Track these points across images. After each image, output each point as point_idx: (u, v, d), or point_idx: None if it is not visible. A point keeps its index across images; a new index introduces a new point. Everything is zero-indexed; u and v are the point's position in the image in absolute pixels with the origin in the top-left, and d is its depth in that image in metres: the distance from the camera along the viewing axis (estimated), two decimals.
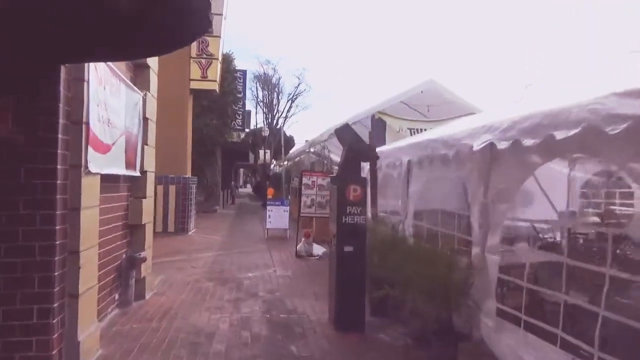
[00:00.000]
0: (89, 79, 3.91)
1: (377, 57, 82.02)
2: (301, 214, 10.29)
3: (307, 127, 58.10)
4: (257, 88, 40.73)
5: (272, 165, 35.45)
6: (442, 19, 75.74)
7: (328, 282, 5.77)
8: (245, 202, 34.15)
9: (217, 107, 20.73)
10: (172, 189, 13.73)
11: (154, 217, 13.93)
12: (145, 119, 6.11)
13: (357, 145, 5.62)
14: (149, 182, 6.30)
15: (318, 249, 10.21)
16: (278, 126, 39.70)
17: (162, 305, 5.96)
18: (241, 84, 23.65)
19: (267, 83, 40.42)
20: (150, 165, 6.38)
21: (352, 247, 5.18)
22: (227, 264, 8.96)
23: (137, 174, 5.84)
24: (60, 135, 3.56)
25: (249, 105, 36.29)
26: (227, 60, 21.20)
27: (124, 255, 5.78)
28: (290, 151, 28.83)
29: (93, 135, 4.01)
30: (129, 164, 5.41)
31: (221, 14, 14.26)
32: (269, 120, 40.83)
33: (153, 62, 6.28)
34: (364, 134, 12.99)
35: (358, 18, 78.84)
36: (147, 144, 6.20)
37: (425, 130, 12.53)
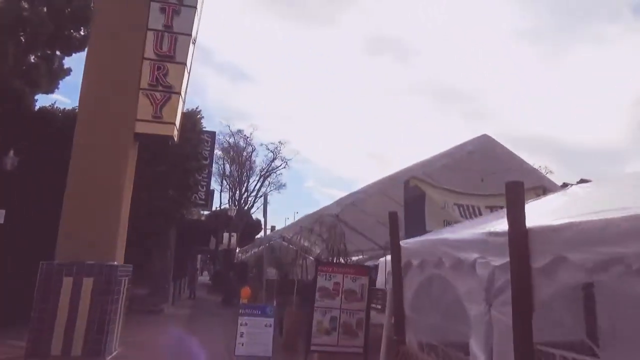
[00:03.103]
0: None
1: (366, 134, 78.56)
2: (312, 347, 5.39)
3: (280, 210, 52.58)
4: (224, 162, 36.18)
5: (236, 252, 30.16)
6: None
7: None
8: (202, 295, 28.09)
9: (175, 174, 16.01)
10: (87, 283, 8.56)
11: (51, 332, 8.41)
12: None
13: None
14: None
15: None
16: (246, 206, 34.93)
17: None
18: (208, 149, 19.17)
19: (237, 156, 35.90)
20: None
21: None
22: None
23: None
24: None
25: (213, 183, 31.53)
26: (192, 117, 16.92)
27: None
28: (256, 236, 24.33)
29: None
30: None
31: (189, 35, 10.10)
32: (236, 198, 35.84)
33: None
34: (392, 208, 8.74)
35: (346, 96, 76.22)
36: None
37: (479, 208, 8.63)
